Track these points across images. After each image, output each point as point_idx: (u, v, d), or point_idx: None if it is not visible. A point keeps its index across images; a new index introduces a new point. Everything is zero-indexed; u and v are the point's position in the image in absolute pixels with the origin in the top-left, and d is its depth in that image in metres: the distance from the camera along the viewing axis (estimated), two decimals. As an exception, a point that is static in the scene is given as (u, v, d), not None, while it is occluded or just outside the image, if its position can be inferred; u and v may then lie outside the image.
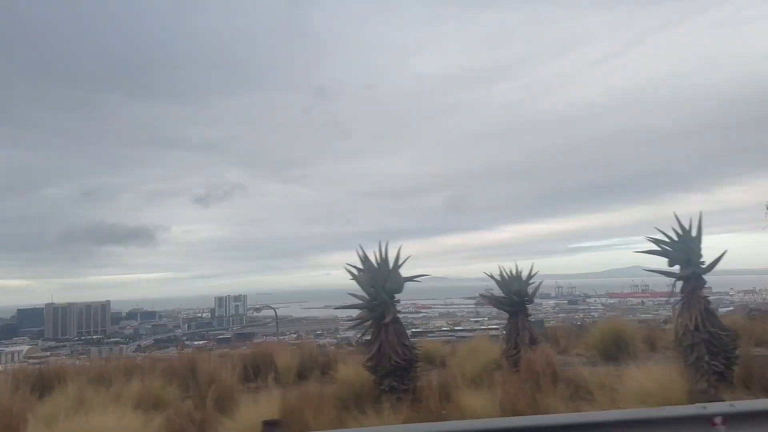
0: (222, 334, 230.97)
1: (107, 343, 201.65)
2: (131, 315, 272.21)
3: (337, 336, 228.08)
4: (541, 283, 14.79)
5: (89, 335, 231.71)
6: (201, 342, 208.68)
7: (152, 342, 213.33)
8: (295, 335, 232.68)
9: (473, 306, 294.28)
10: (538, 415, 5.45)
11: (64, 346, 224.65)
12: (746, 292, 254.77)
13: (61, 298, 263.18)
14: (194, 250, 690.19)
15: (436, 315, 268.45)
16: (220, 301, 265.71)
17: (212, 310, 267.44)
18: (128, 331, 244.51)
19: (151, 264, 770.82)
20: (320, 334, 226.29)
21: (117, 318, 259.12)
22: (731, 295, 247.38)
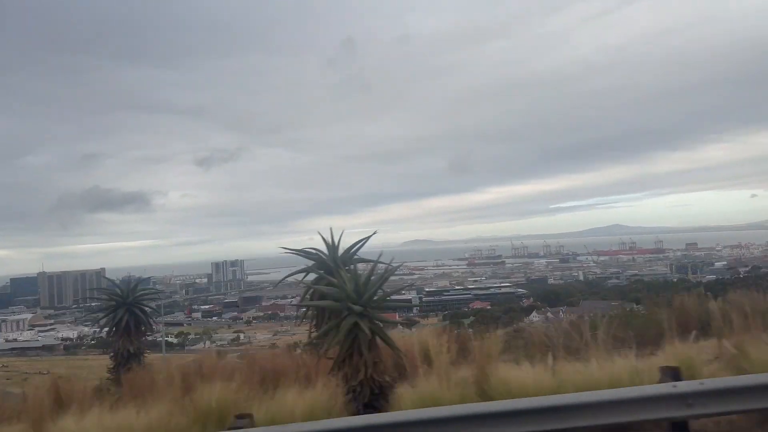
0: (225, 299, 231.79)
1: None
2: (125, 282, 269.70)
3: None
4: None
5: (85, 303, 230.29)
6: (207, 307, 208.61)
7: (154, 307, 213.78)
8: (299, 297, 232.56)
9: (466, 266, 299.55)
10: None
11: (64, 314, 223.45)
12: (733, 247, 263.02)
13: (48, 267, 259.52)
14: (178, 217, 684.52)
15: (432, 276, 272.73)
16: (217, 266, 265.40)
17: (209, 276, 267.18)
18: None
19: (135, 232, 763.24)
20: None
21: (112, 286, 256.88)
22: (719, 251, 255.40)
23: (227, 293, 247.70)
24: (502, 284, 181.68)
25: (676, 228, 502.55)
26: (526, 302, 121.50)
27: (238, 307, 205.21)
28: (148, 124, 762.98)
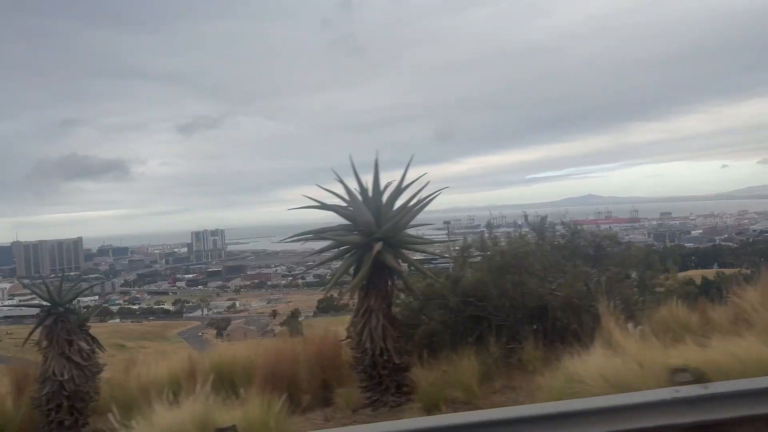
0: (207, 268, 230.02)
1: (87, 280, 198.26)
2: (103, 251, 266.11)
3: (330, 267, 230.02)
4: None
5: (63, 272, 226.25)
6: (190, 276, 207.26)
7: (135, 277, 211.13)
8: (284, 267, 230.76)
9: (446, 236, 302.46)
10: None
11: (42, 283, 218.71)
12: (706, 216, 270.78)
13: (22, 237, 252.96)
14: (156, 186, 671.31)
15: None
16: (197, 236, 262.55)
17: (189, 245, 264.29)
18: (103, 268, 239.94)
19: (112, 201, 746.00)
20: (311, 266, 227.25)
21: (89, 255, 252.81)
22: (693, 220, 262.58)
23: (209, 263, 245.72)
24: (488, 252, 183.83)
25: (649, 198, 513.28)
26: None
27: (222, 276, 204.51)
28: (126, 91, 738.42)
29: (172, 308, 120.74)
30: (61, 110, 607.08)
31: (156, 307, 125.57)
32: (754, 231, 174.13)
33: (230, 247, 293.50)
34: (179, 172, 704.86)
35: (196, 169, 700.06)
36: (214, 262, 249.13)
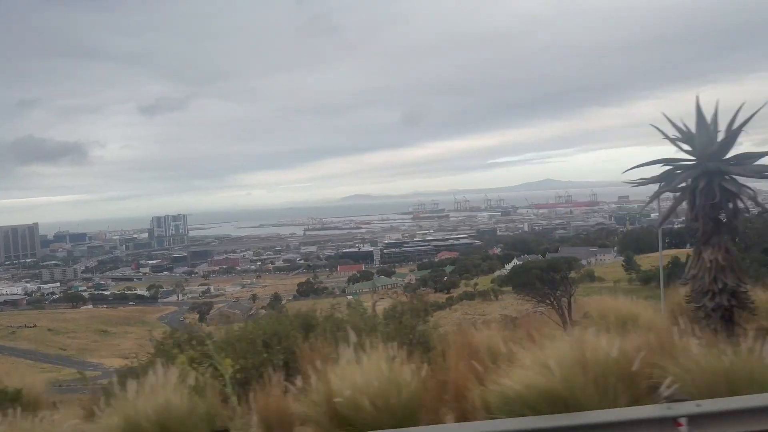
0: (171, 254, 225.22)
1: (46, 266, 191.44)
2: (59, 237, 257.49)
3: (300, 252, 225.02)
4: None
5: (19, 259, 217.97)
6: (154, 261, 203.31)
7: (96, 263, 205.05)
8: (251, 252, 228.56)
9: (411, 220, 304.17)
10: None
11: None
12: (662, 199, 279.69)
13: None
14: (114, 170, 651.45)
15: (379, 230, 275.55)
16: (158, 221, 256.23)
17: (150, 231, 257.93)
18: (61, 254, 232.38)
19: (69, 186, 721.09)
20: (279, 250, 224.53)
21: (45, 241, 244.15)
22: (649, 203, 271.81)
23: (171, 248, 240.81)
24: (460, 236, 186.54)
25: (605, 182, 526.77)
26: (493, 251, 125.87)
27: (187, 261, 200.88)
28: (84, 71, 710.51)
29: (147, 293, 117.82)
30: (17, 91, 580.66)
31: (129, 292, 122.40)
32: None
33: (193, 233, 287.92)
34: (140, 155, 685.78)
35: (156, 152, 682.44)
36: (177, 248, 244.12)
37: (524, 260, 75.01)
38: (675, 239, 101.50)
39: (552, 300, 43.68)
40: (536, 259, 63.37)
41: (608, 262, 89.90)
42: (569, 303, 40.03)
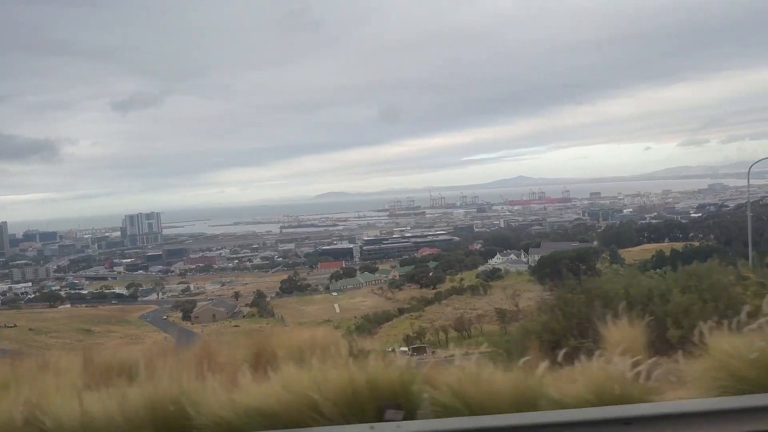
0: (145, 252, 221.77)
1: (17, 266, 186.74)
2: (29, 236, 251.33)
3: (277, 249, 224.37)
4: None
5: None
6: (128, 260, 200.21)
7: (68, 262, 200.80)
8: (228, 250, 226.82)
9: (388, 217, 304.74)
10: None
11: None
12: (633, 195, 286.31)
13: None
14: (83, 168, 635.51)
15: (356, 227, 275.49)
16: (131, 219, 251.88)
17: (122, 229, 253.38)
18: (31, 253, 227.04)
19: (38, 184, 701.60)
20: (256, 248, 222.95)
21: (14, 240, 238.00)
22: (621, 199, 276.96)
23: (144, 247, 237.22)
24: (438, 233, 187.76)
25: (576, 179, 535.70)
26: (473, 247, 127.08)
27: (162, 260, 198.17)
28: (54, 67, 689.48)
29: (126, 292, 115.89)
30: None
31: (107, 291, 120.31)
32: (710, 207, 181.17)
33: (166, 231, 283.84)
34: (111, 152, 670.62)
35: (128, 149, 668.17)
36: (150, 246, 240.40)
37: (552, 250, 74.47)
38: (653, 234, 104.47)
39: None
40: (564, 249, 63.14)
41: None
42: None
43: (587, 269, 46.30)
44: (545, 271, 49.88)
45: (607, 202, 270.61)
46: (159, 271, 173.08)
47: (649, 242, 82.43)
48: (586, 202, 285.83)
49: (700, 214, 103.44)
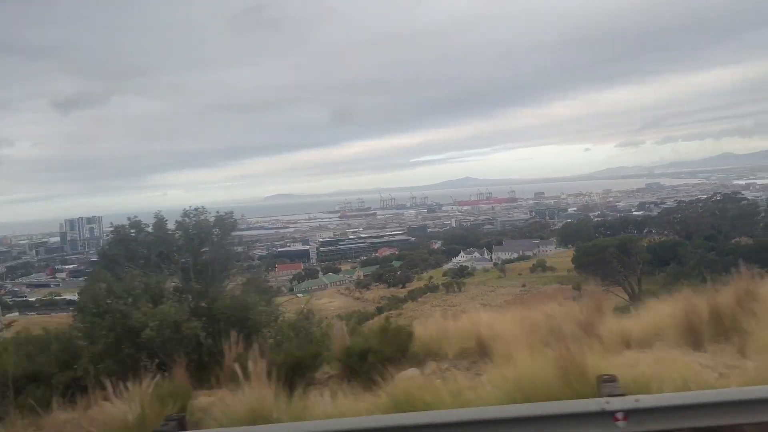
0: (88, 258, 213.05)
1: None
2: None
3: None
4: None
5: None
6: (72, 266, 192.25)
7: (5, 270, 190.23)
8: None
9: (339, 219, 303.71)
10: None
11: None
12: (575, 195, 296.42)
13: None
14: (16, 171, 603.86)
15: (308, 228, 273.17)
16: (72, 224, 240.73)
17: (63, 234, 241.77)
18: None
19: None
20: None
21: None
22: (564, 199, 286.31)
23: (87, 252, 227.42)
24: (394, 233, 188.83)
25: (521, 180, 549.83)
26: (433, 246, 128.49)
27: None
28: None
29: (78, 298, 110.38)
30: None
31: (57, 298, 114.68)
32: (650, 205, 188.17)
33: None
34: (51, 154, 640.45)
35: (69, 151, 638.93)
36: (93, 252, 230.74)
37: (595, 241, 73.33)
38: (608, 230, 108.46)
39: (624, 279, 45.95)
40: (607, 239, 61.89)
41: (551, 253, 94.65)
42: (639, 281, 42.34)
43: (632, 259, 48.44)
44: (588, 261, 51.32)
45: (552, 201, 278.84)
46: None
47: (605, 237, 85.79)
48: (531, 201, 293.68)
49: (659, 211, 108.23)
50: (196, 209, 10.61)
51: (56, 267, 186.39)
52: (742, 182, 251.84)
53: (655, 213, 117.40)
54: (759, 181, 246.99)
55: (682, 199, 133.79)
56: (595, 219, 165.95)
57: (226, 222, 10.99)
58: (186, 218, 10.49)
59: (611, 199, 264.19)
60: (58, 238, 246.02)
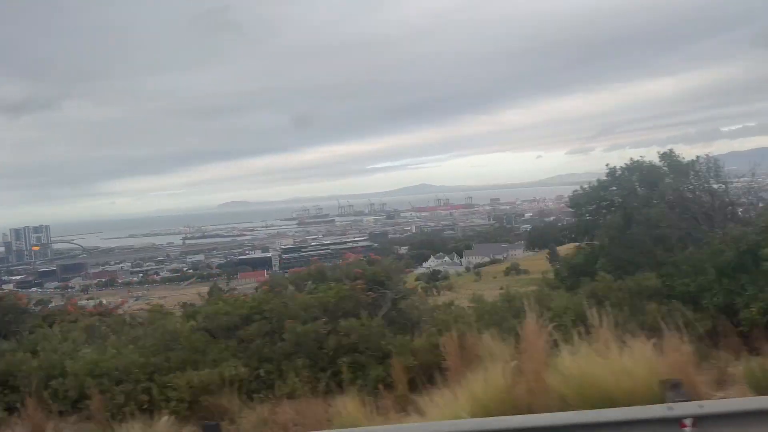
0: (34, 268, 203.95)
1: None
2: None
3: (186, 261, 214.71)
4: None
5: None
6: (19, 277, 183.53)
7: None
8: (129, 264, 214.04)
9: (297, 226, 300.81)
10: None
11: None
12: (530, 201, 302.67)
13: None
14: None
15: (266, 236, 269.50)
16: (17, 233, 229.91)
17: (7, 244, 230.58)
18: None
19: None
20: (161, 260, 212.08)
21: None
22: (519, 205, 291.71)
23: (34, 262, 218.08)
24: (357, 239, 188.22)
25: (476, 186, 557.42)
26: (398, 252, 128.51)
27: (57, 276, 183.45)
28: None
29: (35, 309, 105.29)
30: None
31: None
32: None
33: (57, 245, 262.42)
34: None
35: (11, 158, 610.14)
36: (39, 262, 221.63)
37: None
38: (573, 234, 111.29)
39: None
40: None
41: (521, 257, 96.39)
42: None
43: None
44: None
45: (508, 207, 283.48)
46: (57, 288, 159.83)
47: (569, 242, 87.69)
48: (488, 207, 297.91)
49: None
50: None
51: (2, 278, 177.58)
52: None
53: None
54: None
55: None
56: (559, 224, 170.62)
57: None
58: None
59: (563, 204, 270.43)
60: (2, 248, 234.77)
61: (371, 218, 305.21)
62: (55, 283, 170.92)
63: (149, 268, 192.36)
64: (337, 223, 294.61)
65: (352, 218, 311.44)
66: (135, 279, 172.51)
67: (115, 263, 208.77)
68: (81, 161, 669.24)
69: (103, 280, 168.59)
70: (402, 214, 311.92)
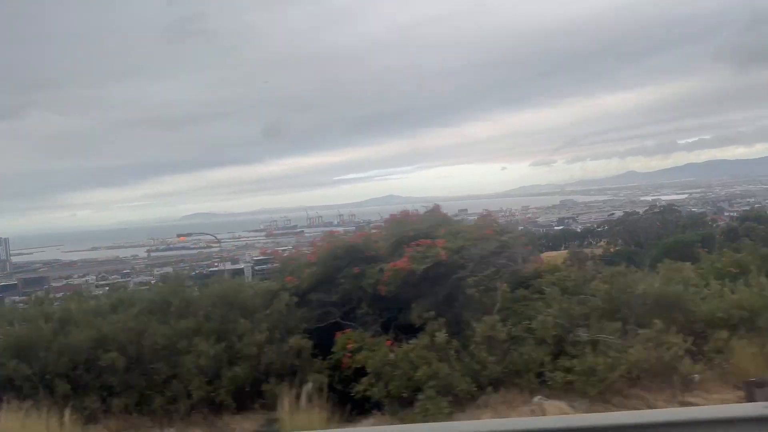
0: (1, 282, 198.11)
1: None
2: None
3: (154, 274, 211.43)
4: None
5: None
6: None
7: None
8: (94, 277, 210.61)
9: (266, 237, 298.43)
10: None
11: None
12: (497, 211, 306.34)
13: None
14: None
15: (234, 247, 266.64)
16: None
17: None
18: None
19: None
20: (128, 273, 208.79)
21: None
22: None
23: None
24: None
25: (443, 197, 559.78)
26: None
27: (18, 290, 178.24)
28: None
29: None
30: None
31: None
32: (567, 220, 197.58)
33: (15, 259, 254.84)
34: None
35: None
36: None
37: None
38: (551, 242, 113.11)
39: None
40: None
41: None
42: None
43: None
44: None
45: (475, 217, 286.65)
46: (19, 302, 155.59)
47: (547, 250, 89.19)
48: (457, 218, 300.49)
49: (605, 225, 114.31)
50: None
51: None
52: (649, 198, 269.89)
53: (579, 228, 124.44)
54: (663, 197, 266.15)
55: (612, 212, 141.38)
56: (538, 233, 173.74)
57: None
58: None
59: (530, 215, 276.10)
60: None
61: (341, 229, 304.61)
62: (16, 298, 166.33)
63: (115, 281, 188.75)
64: (307, 235, 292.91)
65: (322, 229, 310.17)
66: (101, 293, 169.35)
67: (79, 276, 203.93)
68: (41, 172, 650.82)
69: (68, 293, 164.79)
70: (371, 225, 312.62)
